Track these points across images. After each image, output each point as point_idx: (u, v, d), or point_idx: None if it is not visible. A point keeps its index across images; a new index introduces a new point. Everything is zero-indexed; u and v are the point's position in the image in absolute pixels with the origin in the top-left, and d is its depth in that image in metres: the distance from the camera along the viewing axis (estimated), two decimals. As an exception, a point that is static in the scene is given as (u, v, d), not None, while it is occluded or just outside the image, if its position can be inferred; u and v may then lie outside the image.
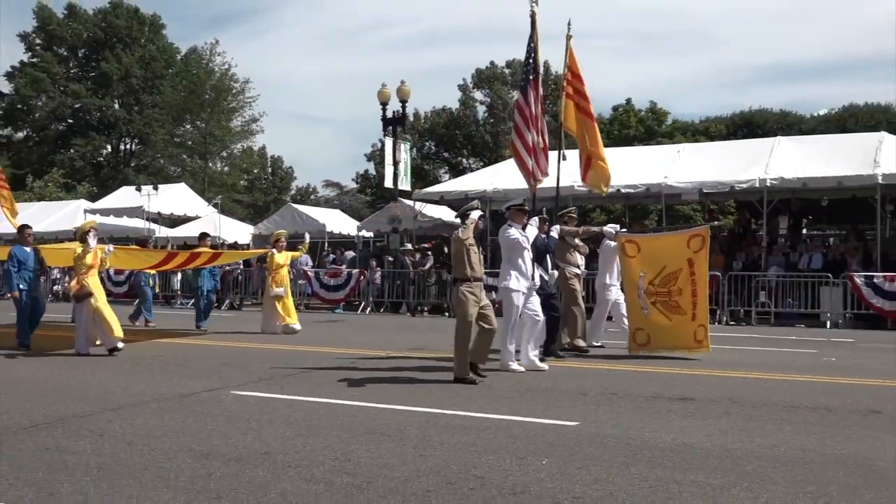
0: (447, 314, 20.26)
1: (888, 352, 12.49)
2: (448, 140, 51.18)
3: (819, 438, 6.02)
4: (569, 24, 11.92)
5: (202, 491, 4.62)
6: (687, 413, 7.05)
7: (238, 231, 30.41)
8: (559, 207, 12.48)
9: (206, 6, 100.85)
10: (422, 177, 44.13)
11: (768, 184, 19.00)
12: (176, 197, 29.90)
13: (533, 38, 11.28)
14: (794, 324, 17.58)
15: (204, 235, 17.30)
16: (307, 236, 16.74)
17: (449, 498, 4.51)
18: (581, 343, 11.66)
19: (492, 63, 51.29)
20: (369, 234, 29.69)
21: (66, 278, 17.89)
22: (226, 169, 51.74)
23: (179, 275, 23.83)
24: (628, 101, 45.84)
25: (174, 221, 29.84)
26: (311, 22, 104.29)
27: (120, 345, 11.13)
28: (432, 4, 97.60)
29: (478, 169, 38.51)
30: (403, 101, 23.87)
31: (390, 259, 23.08)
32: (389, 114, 23.74)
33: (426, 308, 21.15)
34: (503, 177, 23.65)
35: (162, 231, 28.53)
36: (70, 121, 55.36)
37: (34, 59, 54.90)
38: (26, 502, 4.42)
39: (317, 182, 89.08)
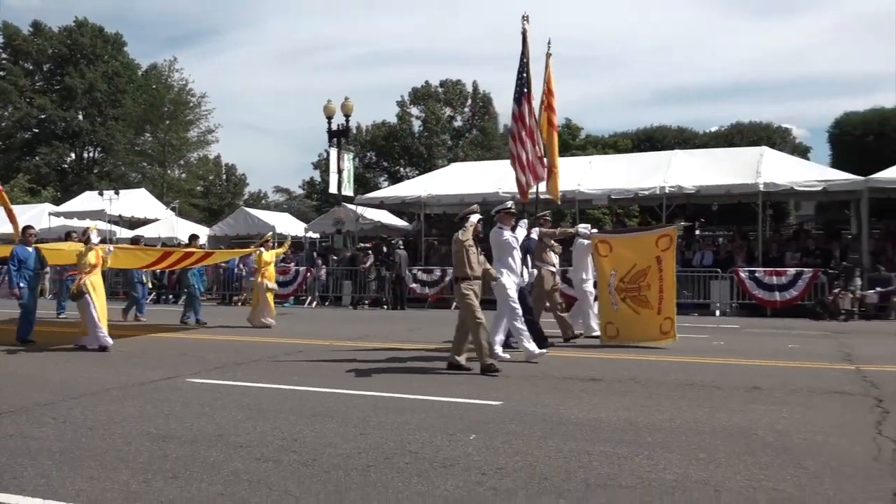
0: (385, 307, 20.19)
1: (767, 336, 12.88)
2: (387, 151, 50.98)
3: (709, 412, 6.17)
4: (549, 43, 11.68)
5: (159, 471, 4.50)
6: (597, 392, 7.16)
7: (195, 232, 29.73)
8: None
9: (165, 27, 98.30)
10: (363, 184, 43.79)
11: (667, 191, 19.45)
12: (136, 201, 29.19)
13: (525, 54, 10.90)
14: (689, 313, 17.97)
15: (194, 237, 16.82)
16: (289, 237, 16.38)
17: (387, 471, 4.48)
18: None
19: (426, 82, 51.30)
20: (316, 235, 29.43)
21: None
22: (183, 176, 50.54)
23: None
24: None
25: (134, 224, 29.07)
26: (262, 42, 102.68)
27: (109, 340, 10.42)
28: (372, 29, 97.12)
29: (414, 177, 38.41)
30: (347, 115, 23.70)
31: (335, 258, 22.91)
32: (334, 126, 23.55)
33: (367, 301, 21.03)
34: (436, 184, 23.72)
35: (123, 233, 27.73)
36: (35, 130, 53.41)
37: (1, 73, 52.79)
38: (-9, 485, 4.23)
39: (268, 188, 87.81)
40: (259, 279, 14.71)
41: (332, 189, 23.73)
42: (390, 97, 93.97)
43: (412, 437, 5.32)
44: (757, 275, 17.47)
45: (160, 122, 46.06)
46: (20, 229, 12.44)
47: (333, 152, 23.53)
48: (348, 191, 23.96)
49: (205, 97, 47.89)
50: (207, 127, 48.97)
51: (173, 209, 29.10)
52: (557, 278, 11.73)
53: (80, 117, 53.88)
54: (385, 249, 21.21)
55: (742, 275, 17.59)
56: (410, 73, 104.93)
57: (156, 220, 29.10)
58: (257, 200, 63.72)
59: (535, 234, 10.55)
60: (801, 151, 42.73)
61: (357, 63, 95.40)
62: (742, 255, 19.06)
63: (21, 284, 11.21)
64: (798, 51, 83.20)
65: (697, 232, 26.66)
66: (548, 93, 11.67)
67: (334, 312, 19.27)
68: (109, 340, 10.35)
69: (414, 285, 20.78)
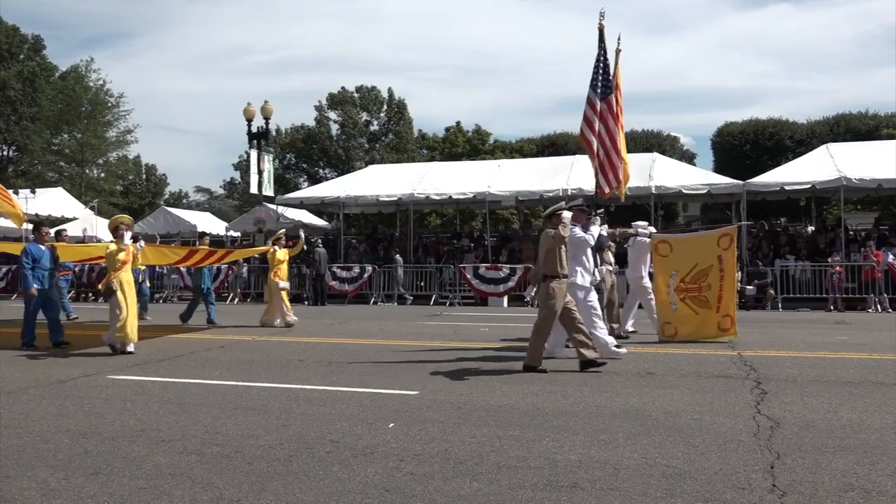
0: (306, 303, 19.87)
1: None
2: (306, 153, 50.24)
3: (608, 396, 6.34)
4: (619, 39, 10.76)
5: (80, 467, 4.28)
6: (506, 380, 7.24)
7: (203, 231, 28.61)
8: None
9: (80, 28, 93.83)
10: (283, 184, 43.00)
11: (570, 193, 19.89)
12: (53, 200, 27.85)
13: (603, 49, 10.07)
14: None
15: (203, 234, 15.88)
16: (302, 234, 15.08)
17: (308, 460, 4.41)
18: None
19: (343, 88, 50.83)
20: (237, 234, 28.72)
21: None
22: (102, 175, 48.40)
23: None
24: (458, 123, 46.48)
25: (52, 223, 27.64)
26: (180, 46, 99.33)
27: (130, 348, 9.36)
28: (287, 37, 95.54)
29: (332, 178, 38.00)
30: (267, 118, 23.19)
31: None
32: (254, 129, 23.00)
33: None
34: (354, 185, 23.56)
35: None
36: (-55, 128, 50.02)
37: None
38: None
39: (188, 188, 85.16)
40: (272, 278, 13.57)
41: (253, 189, 23.18)
42: (308, 101, 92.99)
43: (333, 426, 5.26)
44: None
45: (77, 122, 44.02)
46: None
47: (254, 154, 22.98)
48: (269, 191, 23.47)
49: (122, 97, 46.15)
50: (126, 127, 47.20)
51: (92, 208, 27.86)
52: (614, 277, 11.14)
53: (-7, 115, 50.78)
54: (304, 248, 20.86)
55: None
56: (326, 79, 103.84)
57: (74, 218, 27.79)
58: (178, 200, 61.68)
59: (604, 232, 9.85)
60: (688, 158, 44.58)
61: (274, 68, 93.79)
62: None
63: (35, 285, 10.11)
64: (682, 66, 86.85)
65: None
66: (616, 88, 10.64)
67: (256, 308, 18.82)
68: (132, 347, 9.36)
69: (333, 282, 20.57)
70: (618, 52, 10.66)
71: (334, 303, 20.04)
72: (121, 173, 51.88)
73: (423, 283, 20.74)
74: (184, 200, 62.43)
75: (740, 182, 19.46)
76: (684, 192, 19.75)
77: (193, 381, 7.27)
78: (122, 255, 9.59)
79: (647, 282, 11.14)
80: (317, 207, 26.28)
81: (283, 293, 13.36)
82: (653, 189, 19.22)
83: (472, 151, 42.67)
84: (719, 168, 34.78)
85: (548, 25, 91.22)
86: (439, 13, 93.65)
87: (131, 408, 5.96)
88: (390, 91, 51.40)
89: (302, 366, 8.31)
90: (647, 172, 20.02)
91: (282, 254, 13.69)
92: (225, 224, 29.11)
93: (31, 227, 13.52)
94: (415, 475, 4.12)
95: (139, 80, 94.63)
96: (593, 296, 8.78)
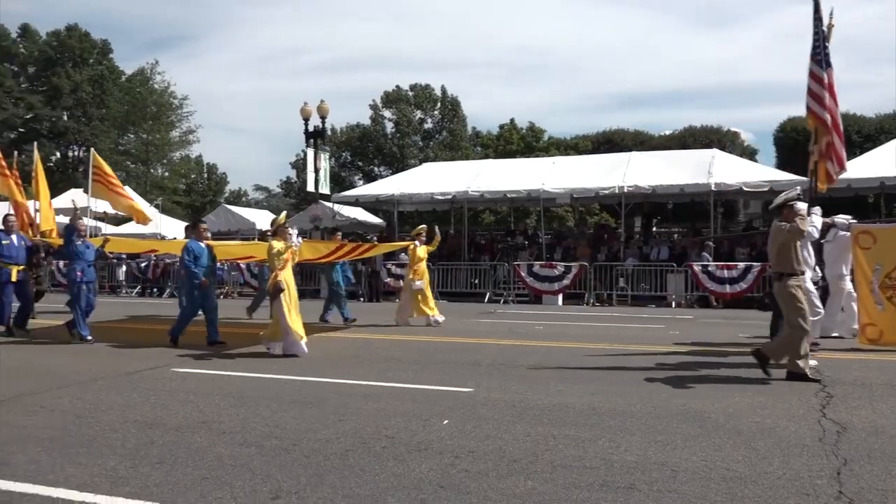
0: (361, 299, 20.08)
1: (719, 326, 13.06)
2: (361, 151, 50.76)
3: (666, 397, 6.23)
4: (831, 14, 9.46)
5: (146, 456, 4.43)
6: (562, 379, 7.19)
7: (177, 229, 29.38)
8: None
9: (146, 31, 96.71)
10: (339, 182, 43.55)
11: (625, 190, 19.61)
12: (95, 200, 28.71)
13: (819, 21, 9.05)
14: (647, 304, 18.20)
15: (335, 229, 15.77)
16: (438, 231, 14.26)
17: (364, 455, 4.46)
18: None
19: (398, 87, 51.16)
20: (294, 232, 29.21)
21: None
22: (166, 174, 49.95)
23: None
24: (511, 120, 46.49)
25: (119, 221, 28.64)
26: (240, 48, 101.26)
27: (305, 349, 8.95)
28: (342, 37, 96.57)
29: (387, 176, 38.28)
30: (323, 117, 23.48)
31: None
32: (311, 128, 23.32)
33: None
34: (409, 183, 23.68)
35: (108, 229, 27.28)
36: (21, 130, 52.28)
37: (-16, 74, 51.59)
38: (-20, 472, 4.13)
39: (247, 186, 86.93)
40: (409, 275, 12.99)
41: (310, 188, 23.52)
42: (363, 100, 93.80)
43: (388, 422, 5.30)
44: (710, 269, 17.70)
45: (143, 123, 45.53)
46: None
47: (310, 152, 23.31)
48: (325, 189, 23.78)
49: (186, 99, 47.44)
50: (189, 128, 48.60)
51: (157, 206, 28.70)
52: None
53: (65, 117, 52.91)
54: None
55: (696, 268, 17.81)
56: (381, 77, 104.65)
57: (125, 213, 28.70)
58: (238, 198, 63.05)
59: (818, 223, 8.67)
60: (749, 154, 43.32)
61: (330, 68, 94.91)
62: (695, 251, 19.30)
63: (196, 281, 9.93)
64: (743, 58, 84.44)
65: (654, 229, 26.98)
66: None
67: (311, 304, 19.10)
68: (304, 349, 8.92)
69: (388, 279, 20.72)
70: (830, 27, 9.40)
71: (389, 299, 20.18)
72: (183, 172, 53.44)
73: (476, 281, 20.71)
74: (243, 199, 63.79)
75: (805, 178, 18.80)
76: (745, 189, 19.21)
77: (252, 375, 7.43)
78: (286, 254, 9.22)
79: (846, 282, 10.24)
80: (372, 205, 26.51)
81: (419, 294, 12.81)
82: (712, 186, 18.77)
83: (527, 149, 42.50)
84: (782, 164, 33.70)
85: (603, 20, 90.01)
86: (492, 10, 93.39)
87: (194, 400, 6.13)
88: (444, 89, 51.59)
89: (357, 362, 8.41)
90: (707, 169, 19.58)
91: (422, 251, 13.10)
92: (281, 222, 29.64)
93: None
94: (469, 472, 4.12)
95: (200, 82, 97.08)
96: (815, 294, 8.23)
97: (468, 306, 17.84)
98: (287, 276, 9.17)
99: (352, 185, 42.38)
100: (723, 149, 28.38)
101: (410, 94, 51.03)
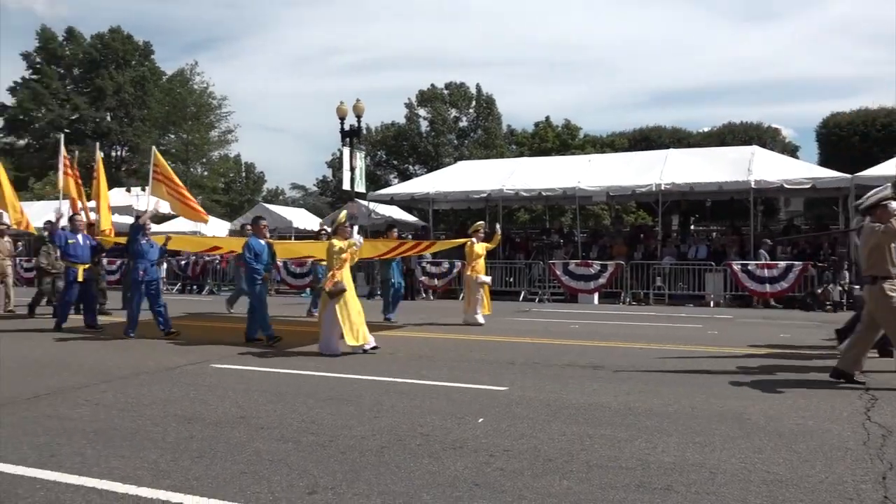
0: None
1: (759, 326, 12.84)
2: (396, 150, 50.95)
3: (705, 398, 6.14)
4: None
5: (186, 450, 4.51)
6: (597, 378, 7.14)
7: (217, 227, 29.86)
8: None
9: (185, 33, 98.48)
10: (374, 181, 43.77)
11: (663, 188, 19.35)
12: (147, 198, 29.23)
13: None
14: (685, 303, 17.96)
15: (391, 226, 15.86)
16: (498, 227, 14.05)
17: (399, 452, 4.48)
18: None
19: (432, 85, 51.18)
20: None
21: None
22: (205, 173, 50.74)
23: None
24: (547, 118, 46.08)
25: (160, 219, 29.14)
26: (277, 48, 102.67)
27: (369, 346, 8.88)
28: (376, 36, 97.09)
29: (422, 174, 38.37)
30: (358, 116, 23.61)
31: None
32: (347, 127, 23.48)
33: (379, 292, 20.98)
34: (443, 181, 23.70)
35: (149, 226, 27.84)
36: (67, 130, 53.73)
37: (34, 76, 53.07)
38: (30, 462, 4.25)
39: (284, 185, 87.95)
40: (469, 273, 12.92)
41: (346, 186, 23.67)
42: (398, 99, 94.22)
43: (423, 420, 5.32)
44: (749, 268, 17.40)
45: (183, 123, 46.35)
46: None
47: (346, 151, 23.47)
48: (361, 188, 23.92)
49: (225, 99, 48.16)
50: (227, 127, 49.34)
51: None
52: None
53: (108, 118, 54.15)
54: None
55: (735, 267, 17.52)
56: (416, 76, 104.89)
57: (170, 213, 29.18)
58: (275, 196, 63.90)
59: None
60: (791, 150, 42.43)
61: (366, 67, 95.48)
62: (735, 249, 18.98)
63: (257, 277, 9.87)
64: (784, 53, 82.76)
65: (692, 227, 26.59)
66: None
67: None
68: (372, 341, 8.93)
69: (423, 277, 20.77)
70: None
71: (423, 297, 20.25)
72: (222, 171, 54.26)
73: (511, 280, 20.65)
74: (280, 197, 64.62)
75: (848, 175, 18.36)
76: (786, 186, 18.81)
77: (289, 372, 7.52)
78: (346, 253, 9.08)
79: None
80: (407, 203, 26.60)
81: (484, 289, 12.75)
82: (752, 183, 18.42)
83: (562, 146, 42.20)
84: (825, 161, 32.95)
85: (640, 15, 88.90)
86: (527, 7, 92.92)
87: (233, 395, 6.22)
88: (479, 87, 51.48)
89: (393, 359, 8.45)
90: (746, 166, 19.23)
91: (480, 247, 13.06)
92: (319, 220, 29.92)
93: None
94: (504, 471, 4.11)
95: (238, 82, 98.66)
96: None
97: (503, 305, 17.79)
98: (346, 276, 9.01)
99: (387, 184, 42.58)
100: (763, 146, 27.86)
101: (445, 92, 51.06)
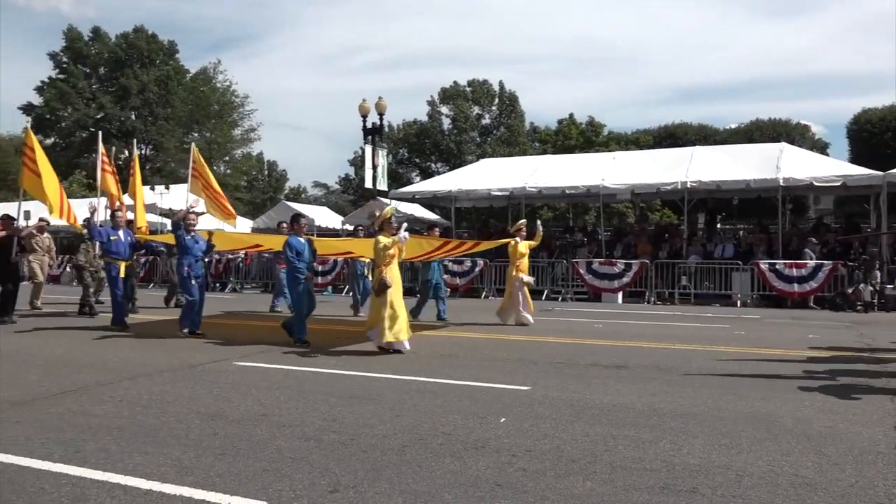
0: (419, 296, 20.12)
1: (787, 326, 12.67)
2: (419, 147, 51.06)
3: (731, 399, 6.08)
4: None
5: (209, 447, 4.56)
6: (621, 378, 7.10)
7: (240, 225, 30.10)
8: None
9: (208, 32, 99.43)
10: (396, 179, 43.92)
11: (689, 186, 19.18)
12: (185, 195, 29.54)
13: None
14: (711, 303, 17.78)
15: (433, 224, 15.89)
16: (540, 226, 13.58)
17: (421, 451, 4.49)
18: None
19: (455, 83, 51.23)
20: (350, 228, 29.64)
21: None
22: (228, 172, 51.23)
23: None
24: (570, 115, 45.95)
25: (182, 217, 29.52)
26: (299, 47, 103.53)
27: (406, 345, 8.81)
28: (398, 34, 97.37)
29: (444, 172, 38.42)
30: (381, 114, 23.73)
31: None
32: (369, 124, 23.59)
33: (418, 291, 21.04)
34: (466, 179, 23.70)
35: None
36: (92, 129, 54.50)
37: (61, 76, 53.85)
38: (56, 458, 4.32)
39: (307, 183, 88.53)
40: (513, 272, 12.68)
41: (368, 184, 23.80)
42: (420, 97, 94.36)
43: (445, 419, 5.32)
44: (777, 267, 17.18)
45: (206, 122, 46.81)
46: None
47: (368, 149, 23.58)
48: (383, 185, 24.02)
49: (247, 98, 48.56)
50: (250, 126, 49.77)
51: (219, 203, 29.36)
52: None
53: (133, 117, 54.82)
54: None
55: (763, 267, 17.31)
56: (438, 73, 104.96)
57: (203, 213, 29.40)
58: (297, 195, 64.31)
59: None
60: (820, 147, 41.84)
61: (387, 65, 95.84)
62: (762, 248, 18.76)
63: (300, 276, 9.72)
64: (813, 49, 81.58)
65: (719, 225, 26.33)
66: None
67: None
68: (406, 345, 8.81)
69: (445, 276, 20.67)
70: None
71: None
72: (245, 169, 54.77)
73: (534, 278, 20.57)
74: (302, 195, 65.03)
75: (880, 173, 18.06)
76: (816, 184, 18.56)
77: (311, 370, 7.57)
78: (393, 249, 8.93)
79: None
80: (429, 201, 26.64)
81: (526, 288, 12.57)
82: (780, 181, 18.19)
83: (586, 144, 42.02)
84: (856, 158, 32.45)
85: (666, 10, 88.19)
86: (550, 3, 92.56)
87: (255, 393, 6.28)
88: (501, 84, 51.41)
89: (415, 358, 8.46)
90: (774, 164, 19.00)
91: (523, 246, 12.76)
92: (341, 218, 30.06)
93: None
94: (526, 471, 4.10)
95: (261, 80, 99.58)
96: None
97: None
98: (394, 273, 8.90)
99: (409, 182, 42.71)
100: (792, 142, 27.49)
101: (468, 89, 51.06)
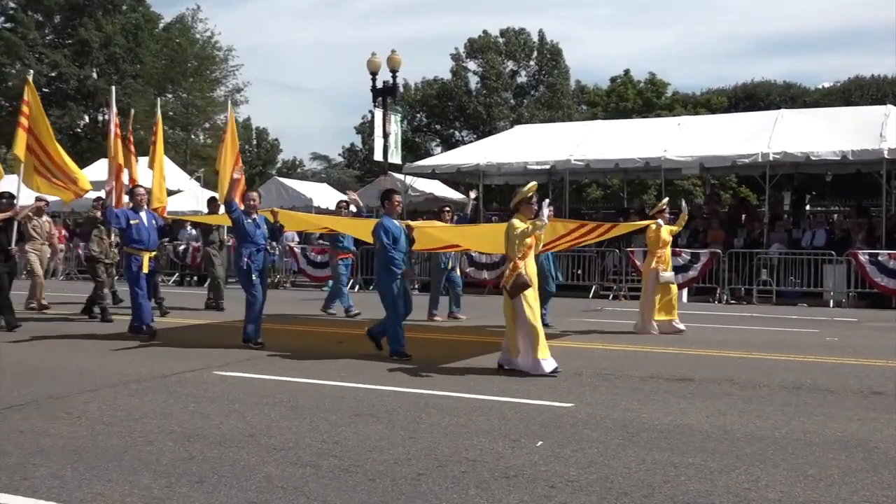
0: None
1: (892, 331, 12.55)
2: (440, 112, 51.04)
3: (821, 420, 6.04)
4: None
5: (184, 474, 4.61)
6: (685, 394, 7.08)
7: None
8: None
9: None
10: (413, 150, 43.99)
11: (771, 158, 18.98)
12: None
13: None
14: (797, 302, 17.65)
15: (443, 207, 15.75)
16: (684, 205, 12.64)
17: (440, 481, 4.51)
18: None
19: (485, 32, 51.05)
20: (355, 210, 29.68)
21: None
22: (209, 141, 51.56)
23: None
24: (626, 72, 45.63)
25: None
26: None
27: (548, 366, 7.95)
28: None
29: (471, 141, 38.39)
30: (394, 71, 23.76)
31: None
32: (379, 84, 23.64)
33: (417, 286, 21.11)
34: (497, 150, 23.63)
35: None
36: (46, 90, 54.88)
37: (7, 24, 54.30)
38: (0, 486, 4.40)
39: (303, 155, 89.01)
40: (653, 263, 11.96)
41: (378, 156, 23.90)
42: (443, 50, 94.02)
43: (469, 442, 5.35)
44: (880, 258, 16.99)
45: (183, 80, 46.92)
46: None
47: (378, 114, 23.66)
48: (396, 158, 24.08)
49: (232, 51, 48.63)
50: (235, 85, 49.81)
51: (198, 179, 29.54)
52: None
53: (95, 75, 55.21)
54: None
55: (862, 258, 17.13)
56: (464, 21, 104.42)
57: (178, 191, 29.44)
58: (292, 169, 64.60)
59: None
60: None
61: (402, 11, 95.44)
62: (861, 236, 18.56)
63: (396, 270, 9.11)
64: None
65: (808, 207, 26.05)
66: None
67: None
68: (550, 364, 7.97)
69: (469, 269, 20.67)
70: None
71: (469, 292, 20.23)
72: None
73: (580, 272, 20.54)
74: (298, 170, 65.31)
75: None
76: (930, 156, 18.31)
77: (307, 381, 7.63)
78: (530, 239, 8.19)
79: None
80: (452, 177, 26.59)
81: (672, 287, 12.03)
82: (885, 153, 17.92)
83: (645, 107, 41.77)
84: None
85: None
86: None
87: (240, 409, 6.34)
88: (542, 34, 51.15)
89: (434, 367, 8.48)
90: (878, 131, 18.73)
91: (665, 232, 11.98)
92: (345, 197, 30.17)
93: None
94: (568, 506, 4.11)
95: (249, 30, 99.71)
96: None
97: (569, 302, 17.69)
98: (531, 268, 8.21)
99: (428, 153, 42.73)
100: (900, 104, 27.11)
101: (500, 41, 50.90)
